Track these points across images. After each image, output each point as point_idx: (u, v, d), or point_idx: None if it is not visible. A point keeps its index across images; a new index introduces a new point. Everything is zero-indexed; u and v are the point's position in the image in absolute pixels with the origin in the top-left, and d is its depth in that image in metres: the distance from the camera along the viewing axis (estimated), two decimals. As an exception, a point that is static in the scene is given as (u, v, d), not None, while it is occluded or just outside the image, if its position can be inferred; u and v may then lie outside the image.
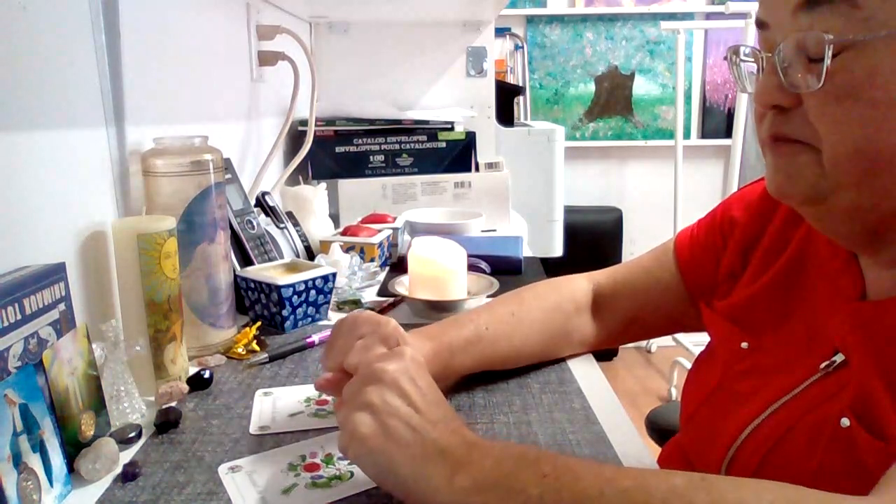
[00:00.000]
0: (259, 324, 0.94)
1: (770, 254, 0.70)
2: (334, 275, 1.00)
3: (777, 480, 0.44)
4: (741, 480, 0.44)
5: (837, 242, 0.61)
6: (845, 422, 0.53)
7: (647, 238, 3.28)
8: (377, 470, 0.52)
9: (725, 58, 0.62)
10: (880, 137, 0.50)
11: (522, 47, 3.31)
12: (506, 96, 2.27)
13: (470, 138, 1.79)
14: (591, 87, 3.38)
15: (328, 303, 1.01)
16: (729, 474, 0.61)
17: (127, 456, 0.63)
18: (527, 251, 1.40)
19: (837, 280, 0.62)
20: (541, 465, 0.47)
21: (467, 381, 0.78)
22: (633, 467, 0.49)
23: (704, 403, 0.69)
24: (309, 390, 0.77)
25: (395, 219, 1.43)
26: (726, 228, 0.76)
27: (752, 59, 0.58)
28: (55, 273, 0.67)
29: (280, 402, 0.74)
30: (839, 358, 0.58)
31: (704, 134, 3.40)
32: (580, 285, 0.86)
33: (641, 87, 3.38)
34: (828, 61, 0.49)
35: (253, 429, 0.68)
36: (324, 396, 0.75)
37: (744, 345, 0.67)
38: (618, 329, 0.85)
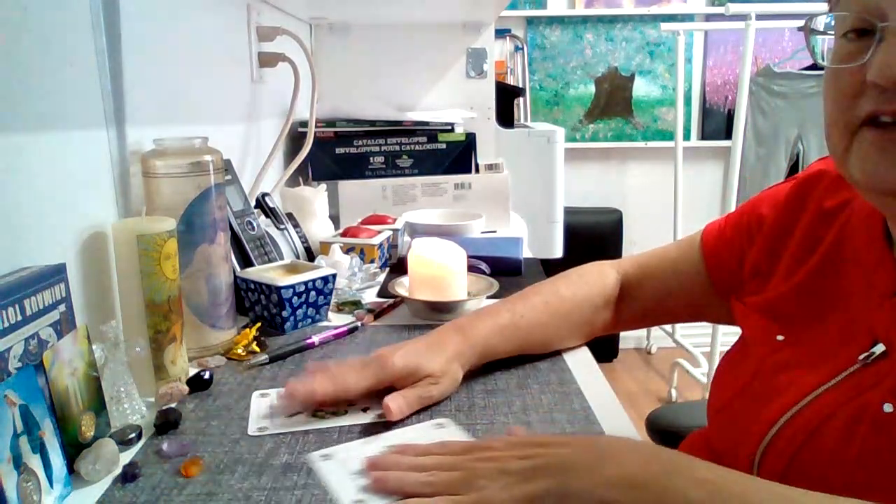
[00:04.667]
0: (259, 325, 0.94)
1: (801, 252, 0.70)
2: (334, 276, 1.00)
3: (814, 468, 0.42)
4: None
5: None
6: (888, 407, 0.54)
7: (647, 239, 3.27)
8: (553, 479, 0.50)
9: (800, 28, 0.58)
10: None
11: (522, 49, 3.31)
12: (506, 98, 2.27)
13: (470, 140, 1.79)
14: (591, 89, 3.38)
15: (328, 304, 1.01)
16: (763, 464, 0.61)
17: (127, 457, 0.63)
18: (527, 252, 1.40)
19: (872, 275, 0.62)
20: (694, 470, 0.47)
21: (467, 382, 0.78)
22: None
23: (738, 395, 0.68)
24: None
25: (395, 220, 1.43)
26: (754, 226, 0.76)
27: (848, 28, 0.54)
28: (56, 274, 0.67)
29: (277, 402, 0.74)
30: (878, 349, 0.58)
31: (704, 135, 3.40)
32: (609, 278, 0.88)
33: (641, 89, 3.38)
34: None
35: (251, 430, 0.68)
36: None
37: (780, 337, 0.67)
38: (637, 316, 0.89)
